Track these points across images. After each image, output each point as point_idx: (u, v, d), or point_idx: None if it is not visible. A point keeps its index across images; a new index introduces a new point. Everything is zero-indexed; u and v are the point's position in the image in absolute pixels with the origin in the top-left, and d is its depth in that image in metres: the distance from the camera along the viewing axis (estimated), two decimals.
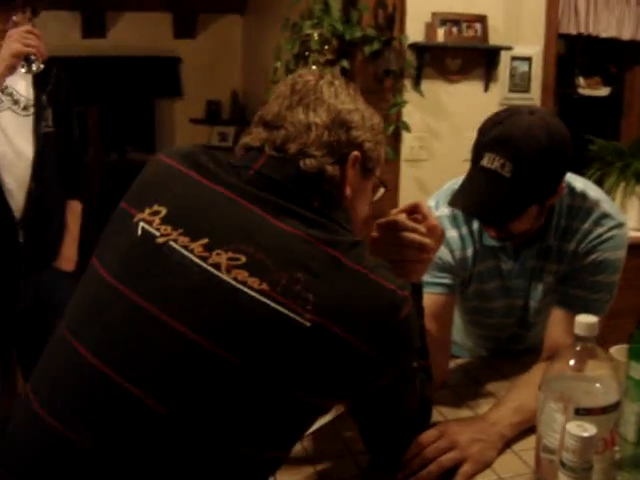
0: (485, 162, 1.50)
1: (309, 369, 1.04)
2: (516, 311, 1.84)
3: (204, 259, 1.05)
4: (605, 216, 1.67)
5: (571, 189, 1.68)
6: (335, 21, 3.52)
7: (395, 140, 3.78)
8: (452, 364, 1.87)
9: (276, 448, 1.10)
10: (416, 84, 3.79)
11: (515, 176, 1.47)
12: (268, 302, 1.02)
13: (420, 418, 1.36)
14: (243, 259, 1.05)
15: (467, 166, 1.58)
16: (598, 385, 1.17)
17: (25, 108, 2.44)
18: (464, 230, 1.73)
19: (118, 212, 1.19)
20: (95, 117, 6.56)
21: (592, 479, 0.81)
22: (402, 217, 1.38)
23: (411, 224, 1.36)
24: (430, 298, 1.62)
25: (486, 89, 3.95)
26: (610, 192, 3.95)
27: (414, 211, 1.39)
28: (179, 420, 1.01)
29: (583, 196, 1.69)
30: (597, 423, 1.12)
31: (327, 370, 1.05)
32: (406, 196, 3.74)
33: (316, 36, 3.51)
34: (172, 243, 1.08)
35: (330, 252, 1.07)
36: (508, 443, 1.44)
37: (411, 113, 3.80)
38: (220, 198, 1.12)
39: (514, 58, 3.98)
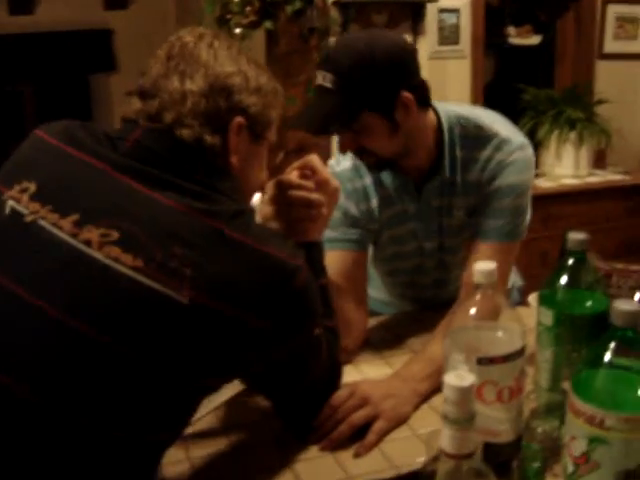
0: (317, 80, 1.52)
1: (192, 348, 0.99)
2: (433, 253, 1.80)
3: (74, 236, 0.99)
4: (504, 141, 1.63)
5: (458, 118, 1.65)
6: None
7: None
8: (374, 321, 1.85)
9: (162, 429, 1.04)
10: None
11: (336, 85, 1.48)
12: (142, 279, 0.97)
13: (330, 381, 1.33)
14: (116, 235, 0.99)
15: None
16: (500, 333, 1.14)
17: None
18: (367, 180, 1.70)
19: None
20: (30, 97, 6.41)
21: (474, 428, 0.78)
22: (292, 175, 1.34)
23: (296, 181, 1.33)
24: (340, 255, 1.60)
25: (414, 43, 3.88)
26: (544, 140, 3.97)
27: (306, 167, 1.35)
28: (53, 408, 0.94)
29: (476, 124, 1.65)
30: (500, 371, 1.09)
31: (213, 348, 1.01)
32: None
33: None
34: (41, 221, 1.01)
35: (210, 224, 1.02)
36: (426, 398, 1.42)
37: None
38: (92, 171, 1.05)
39: (441, 10, 3.95)
